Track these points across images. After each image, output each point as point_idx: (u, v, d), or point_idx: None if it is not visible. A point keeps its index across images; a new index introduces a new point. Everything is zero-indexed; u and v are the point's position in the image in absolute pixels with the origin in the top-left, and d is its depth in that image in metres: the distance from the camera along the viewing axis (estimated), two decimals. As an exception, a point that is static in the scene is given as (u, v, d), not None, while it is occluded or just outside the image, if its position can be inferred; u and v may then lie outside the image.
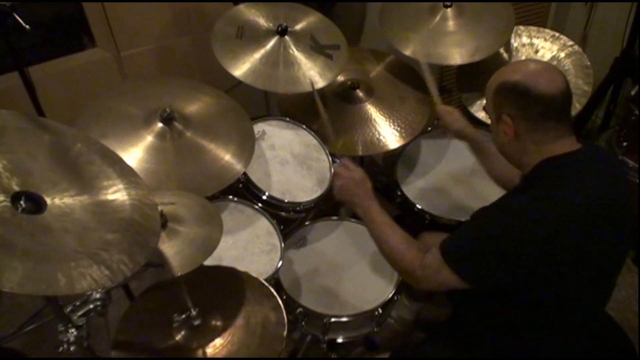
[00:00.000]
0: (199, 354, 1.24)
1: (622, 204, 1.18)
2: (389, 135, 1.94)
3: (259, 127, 1.82)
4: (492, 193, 1.85)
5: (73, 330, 1.10)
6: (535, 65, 1.23)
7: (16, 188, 0.93)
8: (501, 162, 1.57)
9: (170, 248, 1.17)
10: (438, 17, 1.93)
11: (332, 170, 1.46)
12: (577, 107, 1.96)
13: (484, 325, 1.31)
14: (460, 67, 2.11)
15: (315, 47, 1.86)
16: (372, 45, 2.31)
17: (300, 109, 1.99)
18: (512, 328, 1.25)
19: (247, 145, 1.63)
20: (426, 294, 1.74)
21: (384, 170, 2.31)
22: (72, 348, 1.10)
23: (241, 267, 1.45)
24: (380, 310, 1.58)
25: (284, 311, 1.33)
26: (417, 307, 1.90)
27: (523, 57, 2.10)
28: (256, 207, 1.70)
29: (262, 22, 1.86)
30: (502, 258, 1.13)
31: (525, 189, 1.20)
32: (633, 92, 2.15)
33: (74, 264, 0.88)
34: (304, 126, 1.89)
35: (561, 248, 1.11)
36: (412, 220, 1.94)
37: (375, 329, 1.62)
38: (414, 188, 1.95)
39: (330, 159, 1.85)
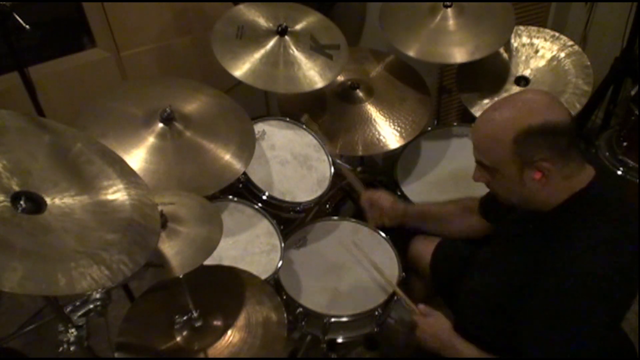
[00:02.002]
0: (200, 355, 1.24)
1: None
2: (389, 135, 1.94)
3: (259, 127, 1.82)
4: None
5: (73, 330, 1.10)
6: (541, 96, 1.12)
7: (16, 188, 0.93)
8: (460, 216, 1.56)
9: (170, 248, 1.17)
10: (438, 17, 1.93)
11: (416, 320, 1.39)
12: (577, 107, 1.96)
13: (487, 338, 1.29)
14: (461, 67, 2.11)
15: (315, 47, 1.86)
16: (372, 45, 2.31)
17: (300, 109, 1.99)
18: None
19: (247, 145, 1.63)
20: (423, 296, 1.73)
21: (384, 170, 2.31)
22: (72, 348, 1.10)
23: (241, 267, 1.45)
24: (380, 311, 1.58)
25: (284, 311, 1.33)
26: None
27: (523, 58, 2.10)
28: (256, 207, 1.70)
29: (262, 22, 1.86)
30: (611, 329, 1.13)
31: (567, 236, 1.11)
32: (633, 92, 2.15)
33: (74, 264, 0.88)
34: (304, 126, 1.89)
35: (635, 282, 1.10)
36: (412, 220, 1.95)
37: (375, 329, 1.62)
38: (414, 188, 1.95)
39: (330, 159, 1.85)
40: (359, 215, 1.98)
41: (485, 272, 1.35)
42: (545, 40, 2.10)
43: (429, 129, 2.12)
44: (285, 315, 1.33)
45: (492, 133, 1.12)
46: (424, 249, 1.68)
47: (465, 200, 1.58)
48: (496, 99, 2.03)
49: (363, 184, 1.74)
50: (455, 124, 2.18)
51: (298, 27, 1.89)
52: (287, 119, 1.88)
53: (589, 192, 1.11)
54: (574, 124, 1.09)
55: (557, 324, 1.09)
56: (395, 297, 1.61)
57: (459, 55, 1.88)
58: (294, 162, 1.81)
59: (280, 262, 1.60)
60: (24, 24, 1.46)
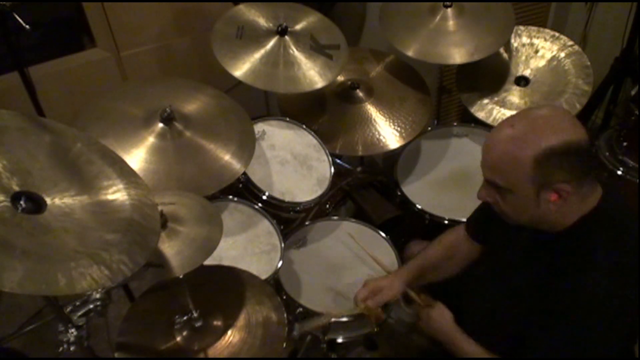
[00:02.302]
0: (200, 355, 1.24)
1: None
2: (389, 135, 1.94)
3: (259, 127, 1.82)
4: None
5: (73, 330, 1.10)
6: (561, 114, 1.07)
7: (16, 188, 0.93)
8: (451, 255, 1.49)
9: (170, 248, 1.17)
10: (438, 17, 1.93)
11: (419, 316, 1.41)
12: (577, 107, 1.96)
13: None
14: (460, 68, 2.11)
15: (315, 47, 1.86)
16: (372, 45, 2.31)
17: (300, 109, 1.99)
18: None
19: (247, 145, 1.63)
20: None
21: (384, 170, 2.31)
22: (72, 348, 1.10)
23: (241, 267, 1.45)
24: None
25: (284, 312, 1.33)
26: (414, 311, 1.90)
27: (523, 58, 2.09)
28: (256, 207, 1.70)
29: (262, 22, 1.86)
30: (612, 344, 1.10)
31: (579, 258, 1.09)
32: (633, 92, 2.15)
33: (74, 264, 0.88)
34: (304, 126, 1.89)
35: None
36: (412, 220, 1.94)
37: (375, 329, 1.62)
38: (414, 188, 1.95)
39: (330, 159, 1.85)
40: (359, 215, 1.98)
41: (489, 288, 1.33)
42: (545, 40, 2.10)
43: (429, 129, 2.12)
44: (285, 315, 1.33)
45: (511, 152, 1.05)
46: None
47: (447, 237, 1.52)
48: (496, 99, 2.03)
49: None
50: (455, 124, 2.18)
51: (298, 27, 1.88)
52: (287, 119, 1.88)
53: (598, 213, 1.08)
54: (591, 142, 1.07)
55: (568, 341, 1.09)
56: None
57: (459, 55, 1.88)
58: (294, 162, 1.81)
59: (280, 262, 1.60)
60: (24, 24, 1.46)
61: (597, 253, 1.07)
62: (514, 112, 1.94)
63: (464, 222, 1.78)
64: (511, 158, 1.05)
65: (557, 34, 2.10)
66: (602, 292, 1.05)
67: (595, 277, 1.05)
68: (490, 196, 1.15)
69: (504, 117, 1.95)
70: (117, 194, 1.05)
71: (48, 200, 0.95)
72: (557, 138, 1.01)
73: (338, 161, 2.09)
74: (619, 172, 2.07)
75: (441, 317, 1.35)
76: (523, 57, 2.10)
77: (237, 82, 1.75)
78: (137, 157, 1.49)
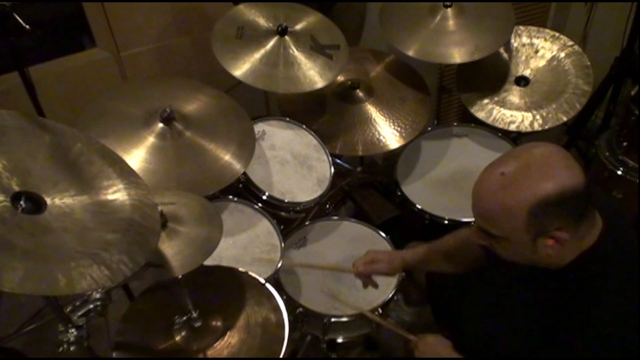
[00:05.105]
0: (199, 355, 1.24)
1: None
2: (389, 135, 1.94)
3: (259, 127, 1.82)
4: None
5: (73, 330, 1.10)
6: (555, 156, 0.99)
7: (16, 188, 0.93)
8: (462, 249, 1.43)
9: (170, 248, 1.17)
10: (438, 17, 1.93)
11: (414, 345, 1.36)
12: (577, 107, 1.96)
13: None
14: (460, 68, 2.11)
15: (315, 47, 1.86)
16: (372, 45, 2.31)
17: (300, 109, 1.99)
18: None
19: (247, 145, 1.63)
20: (422, 297, 1.73)
21: (384, 170, 2.31)
22: (72, 348, 1.10)
23: (241, 267, 1.45)
24: (380, 311, 1.58)
25: (284, 312, 1.33)
26: (414, 311, 1.90)
27: (523, 58, 2.10)
28: (256, 207, 1.70)
29: (262, 22, 1.86)
30: None
31: (579, 295, 1.05)
32: (633, 92, 2.15)
33: (74, 264, 0.88)
34: (304, 126, 1.89)
35: None
36: (412, 220, 1.95)
37: (375, 329, 1.62)
38: (414, 188, 1.95)
39: (330, 159, 1.85)
40: (359, 215, 1.99)
41: (488, 317, 1.29)
42: (545, 40, 2.10)
43: (429, 129, 2.13)
44: (284, 316, 1.32)
45: (502, 203, 0.99)
46: None
47: (463, 230, 1.47)
48: (496, 99, 2.03)
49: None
50: (455, 124, 2.18)
51: (298, 27, 1.89)
52: (287, 119, 1.89)
53: (599, 248, 1.04)
54: (588, 181, 0.99)
55: None
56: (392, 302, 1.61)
57: (459, 55, 1.88)
58: (294, 162, 1.81)
59: (280, 262, 1.60)
60: (24, 24, 1.46)
61: (601, 288, 1.03)
62: (514, 112, 1.98)
63: (464, 222, 1.79)
64: (503, 209, 0.99)
65: (557, 34, 2.10)
66: (610, 328, 1.01)
67: (601, 312, 1.02)
68: (484, 240, 1.10)
69: (504, 118, 1.97)
70: (117, 194, 1.05)
71: (48, 200, 0.95)
72: (552, 185, 0.95)
73: (338, 161, 2.09)
74: (619, 172, 2.07)
75: (439, 342, 1.31)
76: (523, 57, 2.10)
77: (237, 82, 1.75)
78: (137, 157, 1.49)
